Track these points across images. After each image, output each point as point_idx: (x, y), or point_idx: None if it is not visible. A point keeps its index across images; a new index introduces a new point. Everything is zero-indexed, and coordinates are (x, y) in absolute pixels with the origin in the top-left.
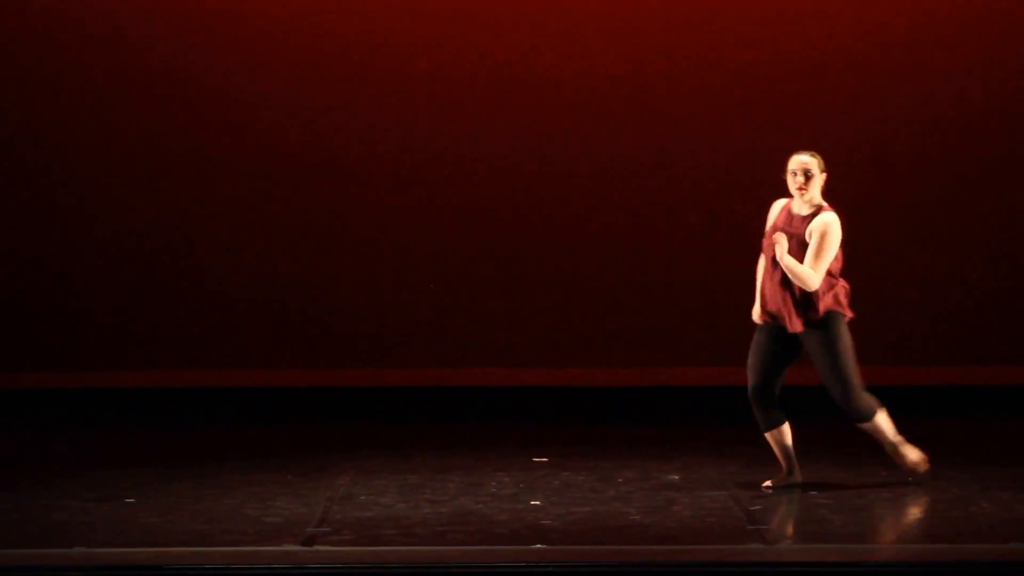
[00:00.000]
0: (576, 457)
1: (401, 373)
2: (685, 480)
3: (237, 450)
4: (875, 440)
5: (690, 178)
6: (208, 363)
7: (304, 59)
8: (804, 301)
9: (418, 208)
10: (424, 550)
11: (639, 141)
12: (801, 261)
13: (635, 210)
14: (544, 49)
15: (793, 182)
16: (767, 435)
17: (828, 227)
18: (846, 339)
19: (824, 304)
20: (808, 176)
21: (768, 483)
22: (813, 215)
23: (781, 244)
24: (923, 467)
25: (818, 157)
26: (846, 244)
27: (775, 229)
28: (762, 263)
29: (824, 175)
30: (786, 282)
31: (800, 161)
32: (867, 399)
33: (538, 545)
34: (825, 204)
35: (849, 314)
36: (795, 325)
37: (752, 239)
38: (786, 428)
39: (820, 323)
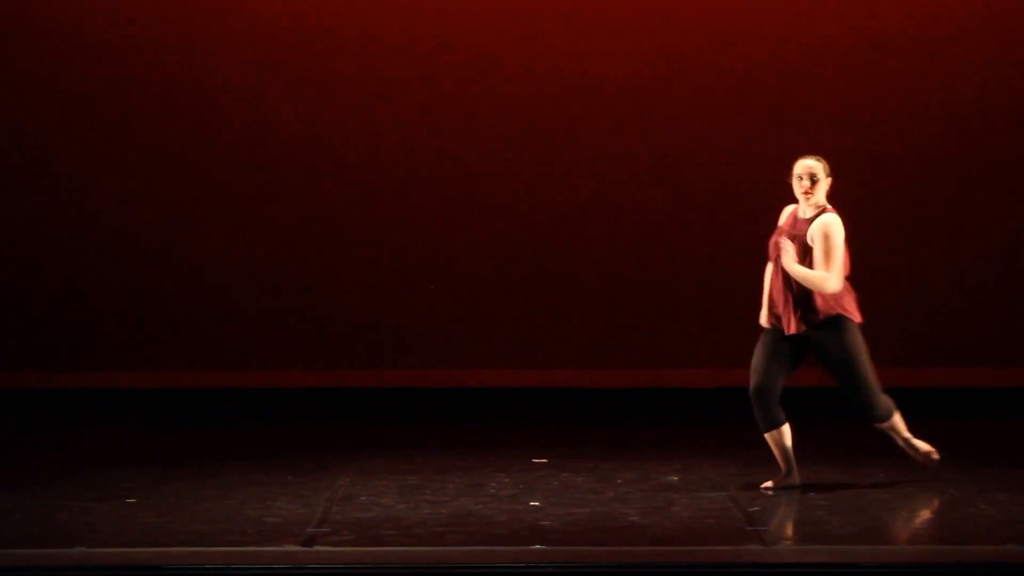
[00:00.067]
0: (575, 458)
1: (401, 374)
2: (684, 481)
3: (237, 450)
4: (889, 437)
5: (689, 180)
6: (209, 364)
7: (304, 59)
8: (804, 303)
9: (419, 209)
10: (424, 551)
11: (639, 143)
12: (804, 263)
13: (635, 212)
14: (545, 51)
15: (799, 186)
16: (767, 436)
17: (829, 228)
18: (860, 343)
19: (826, 308)
20: (814, 180)
21: (767, 484)
22: (815, 218)
23: (787, 251)
24: (935, 455)
25: (824, 162)
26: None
27: (781, 234)
28: (770, 267)
29: (830, 179)
30: (787, 285)
31: (806, 165)
32: (884, 400)
33: (537, 546)
34: (828, 207)
35: (858, 318)
36: (790, 327)
37: (751, 240)
38: (786, 429)
39: (831, 329)
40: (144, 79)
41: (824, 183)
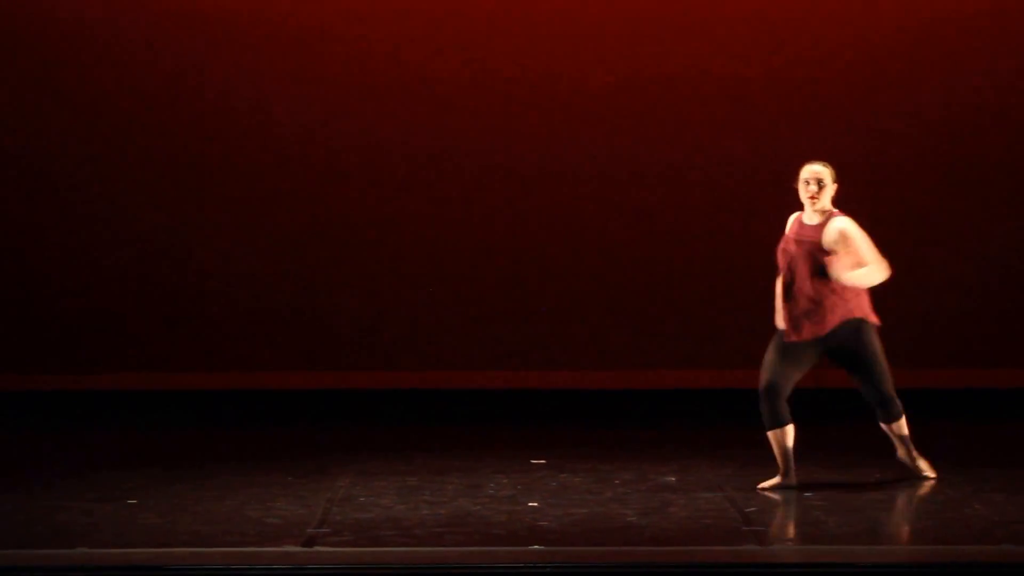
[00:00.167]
0: (573, 459)
1: (401, 375)
2: (681, 482)
3: (238, 452)
4: (892, 443)
5: (690, 181)
6: (209, 366)
7: (304, 62)
8: (821, 309)
9: (419, 212)
10: (423, 551)
11: (640, 144)
12: (814, 269)
13: (634, 213)
14: (545, 53)
15: (805, 191)
16: (769, 434)
17: (848, 228)
18: (878, 344)
19: (846, 312)
20: (821, 185)
21: (764, 484)
22: (824, 223)
23: (834, 266)
24: (931, 473)
25: (830, 167)
26: None
27: (787, 240)
28: (780, 279)
29: (836, 185)
30: (802, 292)
31: (813, 171)
32: (898, 402)
33: (536, 546)
34: (836, 210)
35: (875, 320)
36: (791, 335)
37: (751, 241)
38: (790, 430)
39: (850, 332)
40: (144, 82)
41: (830, 188)
